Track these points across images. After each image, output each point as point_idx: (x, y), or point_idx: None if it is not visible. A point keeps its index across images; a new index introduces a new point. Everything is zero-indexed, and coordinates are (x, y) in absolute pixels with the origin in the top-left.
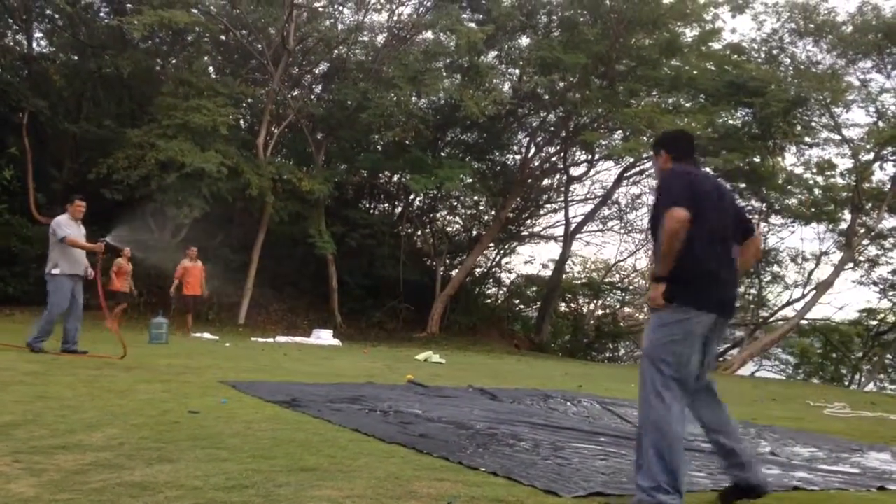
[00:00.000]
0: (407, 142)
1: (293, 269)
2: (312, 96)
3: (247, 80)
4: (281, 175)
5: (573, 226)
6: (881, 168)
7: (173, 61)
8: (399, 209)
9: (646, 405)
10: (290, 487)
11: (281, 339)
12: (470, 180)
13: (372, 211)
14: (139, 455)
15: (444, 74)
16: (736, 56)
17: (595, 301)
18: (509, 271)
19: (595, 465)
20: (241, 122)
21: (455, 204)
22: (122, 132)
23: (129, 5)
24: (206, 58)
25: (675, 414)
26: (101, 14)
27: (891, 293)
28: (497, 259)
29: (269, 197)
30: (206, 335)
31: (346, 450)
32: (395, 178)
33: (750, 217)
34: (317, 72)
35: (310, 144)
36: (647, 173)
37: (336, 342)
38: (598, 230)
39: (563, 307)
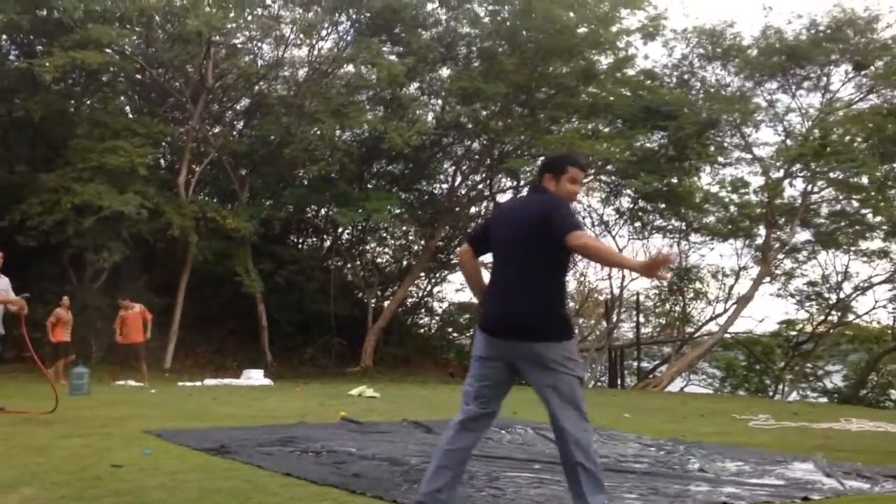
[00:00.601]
0: (332, 175)
1: (220, 309)
2: (234, 132)
3: (166, 119)
4: (204, 213)
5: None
6: (790, 185)
7: (88, 102)
8: (328, 243)
9: None
10: None
11: (210, 381)
12: (398, 211)
13: (300, 246)
14: None
15: (367, 107)
16: (649, 81)
17: None
18: (441, 300)
19: (529, 493)
20: (161, 161)
21: (384, 235)
22: (35, 177)
23: (38, 47)
24: (122, 97)
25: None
26: (11, 57)
27: (807, 304)
28: (428, 288)
29: (192, 236)
30: (131, 382)
31: (276, 496)
32: (323, 211)
33: (562, 224)
34: (238, 108)
35: (233, 181)
36: None
37: (267, 381)
38: None
39: None
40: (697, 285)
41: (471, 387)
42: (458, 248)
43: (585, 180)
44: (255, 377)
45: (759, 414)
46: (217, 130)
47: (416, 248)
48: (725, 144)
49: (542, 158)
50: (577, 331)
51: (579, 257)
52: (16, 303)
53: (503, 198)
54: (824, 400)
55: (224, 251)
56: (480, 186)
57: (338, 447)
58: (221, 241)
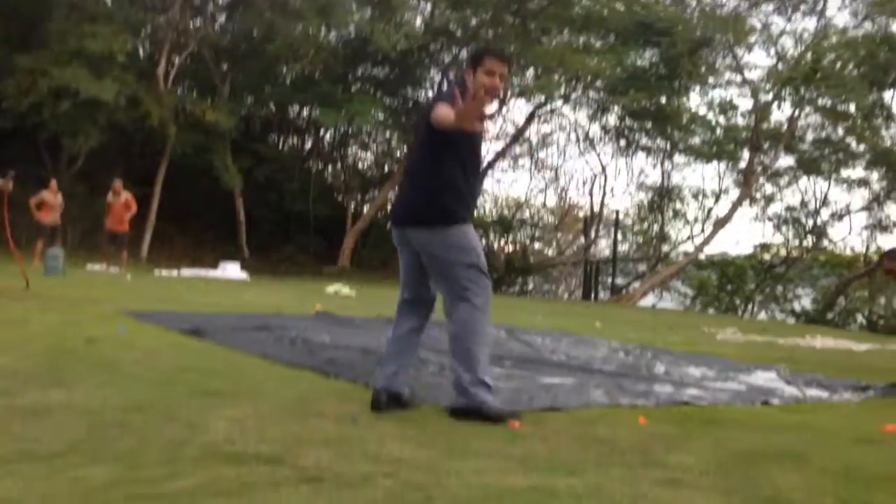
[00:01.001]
0: (316, 75)
1: (198, 202)
2: (217, 26)
3: (145, 8)
4: (183, 106)
5: (484, 163)
6: (779, 108)
7: None
8: (309, 144)
9: None
10: (192, 408)
11: (186, 272)
12: (382, 116)
13: (281, 146)
14: (32, 381)
15: (354, 7)
16: None
17: (505, 237)
18: None
19: (498, 385)
20: (140, 51)
21: (366, 140)
22: (10, 58)
23: None
24: None
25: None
26: None
27: (783, 228)
28: None
29: (170, 128)
30: (108, 268)
31: (251, 376)
32: (305, 112)
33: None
34: (220, 1)
35: (214, 75)
36: (557, 112)
37: (244, 276)
38: (509, 168)
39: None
40: (677, 205)
41: (401, 275)
42: None
43: (573, 95)
44: (231, 270)
45: (726, 328)
46: (198, 23)
47: (398, 154)
48: (717, 65)
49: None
50: (467, 222)
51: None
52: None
53: (489, 109)
54: (792, 321)
55: (203, 145)
56: None
57: (313, 337)
58: (200, 134)
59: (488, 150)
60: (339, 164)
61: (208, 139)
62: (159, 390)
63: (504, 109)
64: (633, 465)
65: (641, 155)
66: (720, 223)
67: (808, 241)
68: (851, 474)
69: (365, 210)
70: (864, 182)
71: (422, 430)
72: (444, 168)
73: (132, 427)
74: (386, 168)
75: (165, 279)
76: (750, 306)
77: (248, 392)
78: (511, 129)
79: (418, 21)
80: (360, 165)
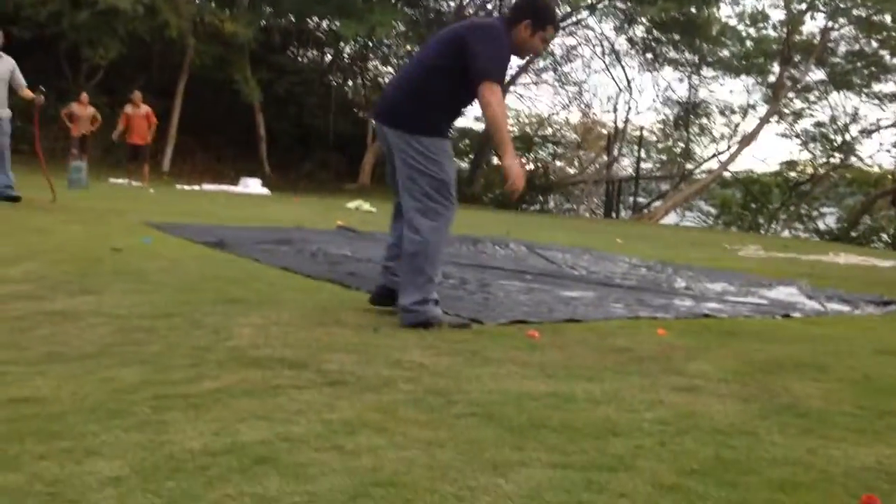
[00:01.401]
0: None
1: (218, 116)
2: None
3: None
4: (202, 16)
5: (507, 78)
6: (812, 18)
7: None
8: (329, 58)
9: None
10: (217, 315)
11: (208, 187)
12: (403, 28)
13: (301, 59)
14: (60, 287)
15: None
16: None
17: (527, 154)
18: None
19: (519, 298)
20: None
21: (387, 53)
22: None
23: None
24: None
25: None
26: None
27: (812, 145)
28: None
29: (189, 39)
30: (132, 182)
31: (273, 285)
32: (325, 24)
33: (486, 67)
34: None
35: None
36: (582, 23)
37: (265, 191)
38: (532, 82)
39: (495, 160)
40: (703, 121)
41: (388, 178)
42: None
43: (600, 5)
44: (252, 186)
45: (749, 245)
46: None
47: None
48: None
49: None
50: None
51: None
52: (34, 97)
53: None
54: (816, 240)
55: (222, 57)
56: (490, 6)
57: (334, 250)
58: (219, 46)
59: (510, 64)
60: (359, 79)
61: (227, 51)
62: (184, 298)
63: None
64: (651, 372)
65: (668, 69)
66: (746, 140)
67: (836, 159)
68: (871, 383)
69: None
70: None
71: (442, 339)
72: (446, 92)
73: (159, 332)
74: None
75: (188, 193)
76: (774, 225)
77: (271, 301)
78: None
79: None
80: (380, 80)
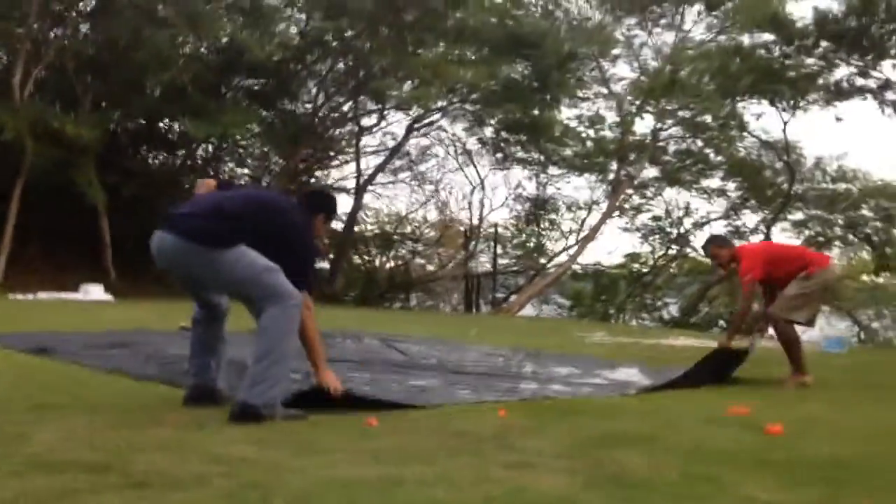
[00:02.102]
0: (187, 86)
1: (60, 222)
2: (79, 34)
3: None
4: (43, 119)
5: (364, 178)
6: (641, 118)
7: None
8: (181, 159)
9: None
10: (21, 424)
11: (43, 295)
12: (258, 129)
13: (151, 161)
14: None
15: (225, 15)
16: (515, 10)
17: (387, 253)
18: None
19: (363, 389)
20: None
21: (241, 154)
22: None
23: None
24: None
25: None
26: None
27: (651, 238)
28: None
29: (28, 142)
30: None
31: (95, 389)
32: (176, 126)
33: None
34: (83, 8)
35: (76, 87)
36: (436, 125)
37: (108, 297)
38: (389, 182)
39: (356, 259)
40: (553, 216)
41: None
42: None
43: (450, 108)
44: (94, 292)
45: (596, 332)
46: (59, 32)
47: (275, 168)
48: (585, 77)
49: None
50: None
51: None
52: None
53: (368, 121)
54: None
55: (65, 160)
56: (345, 109)
57: (172, 351)
58: (62, 149)
59: (368, 164)
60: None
61: (70, 154)
62: None
63: (382, 123)
64: (485, 452)
65: (518, 168)
66: (590, 234)
67: (673, 250)
68: (697, 452)
69: None
70: (722, 191)
71: (272, 431)
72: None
73: None
74: (263, 182)
75: (20, 302)
76: (622, 315)
77: (87, 405)
78: (391, 143)
79: (293, 30)
80: (235, 182)
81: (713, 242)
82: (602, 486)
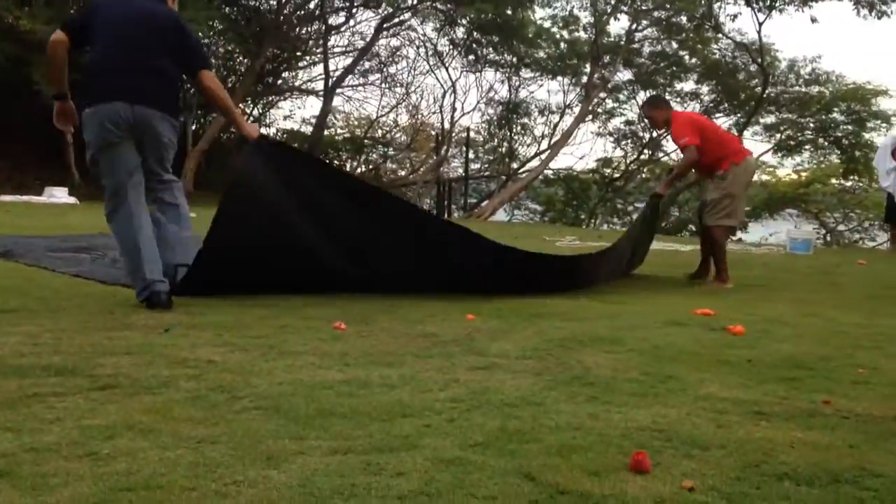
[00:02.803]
0: None
1: (19, 121)
2: None
3: None
4: None
5: (333, 79)
6: (616, 19)
7: None
8: None
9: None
10: None
11: (6, 198)
12: (220, 27)
13: None
14: None
15: None
16: None
17: (358, 157)
18: (268, 125)
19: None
20: None
21: (206, 52)
22: None
23: None
24: None
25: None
26: None
27: (623, 143)
28: (256, 114)
29: None
30: None
31: (59, 293)
32: None
33: (204, 58)
34: None
35: None
36: (406, 24)
37: (72, 200)
38: (359, 84)
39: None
40: (524, 120)
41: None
42: (51, 38)
43: (422, 5)
44: (58, 195)
45: (566, 236)
46: None
47: (241, 68)
48: None
49: None
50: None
51: None
52: None
53: (336, 20)
54: None
55: (20, 57)
56: (312, 6)
57: None
58: (17, 45)
59: (337, 65)
60: None
61: (26, 50)
62: None
63: (351, 22)
64: (452, 354)
65: (490, 71)
66: (562, 139)
67: (645, 155)
68: (658, 351)
69: (207, 130)
70: (695, 95)
71: (241, 336)
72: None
73: None
74: (230, 83)
75: None
76: (594, 220)
77: (52, 309)
78: (360, 44)
79: None
80: None
81: (650, 103)
82: (566, 385)
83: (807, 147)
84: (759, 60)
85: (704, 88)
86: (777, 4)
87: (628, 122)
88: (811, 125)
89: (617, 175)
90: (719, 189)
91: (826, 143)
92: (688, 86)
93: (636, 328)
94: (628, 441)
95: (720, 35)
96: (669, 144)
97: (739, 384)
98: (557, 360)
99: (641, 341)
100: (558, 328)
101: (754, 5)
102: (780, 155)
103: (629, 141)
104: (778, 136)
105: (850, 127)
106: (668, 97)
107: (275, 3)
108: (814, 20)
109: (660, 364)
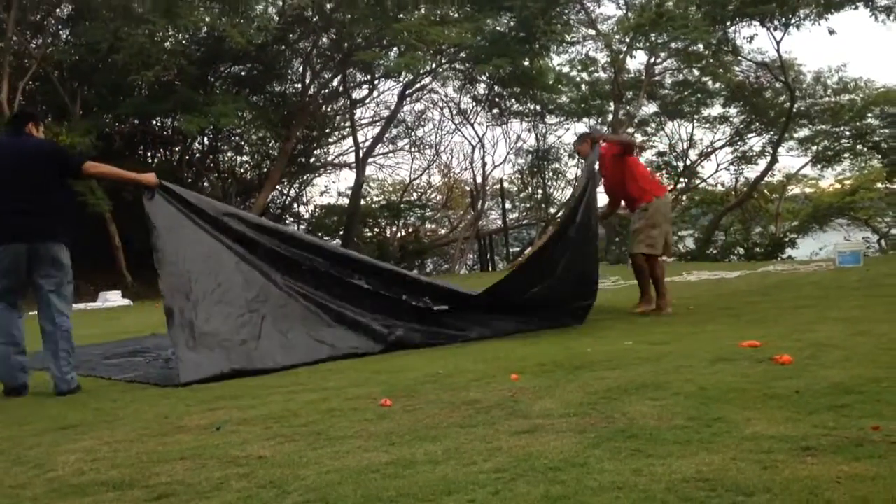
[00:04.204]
0: (174, 82)
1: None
2: (60, 42)
3: None
4: None
5: (363, 150)
6: (632, 56)
7: None
8: (178, 155)
9: None
10: (43, 447)
11: None
12: (249, 115)
13: (150, 160)
14: None
15: (201, 4)
16: None
17: (396, 221)
18: (306, 203)
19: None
20: None
21: (239, 142)
22: None
23: None
24: None
25: None
26: None
27: (658, 174)
28: (293, 193)
29: None
30: None
31: (116, 401)
32: (169, 121)
33: (76, 160)
34: (60, 14)
35: (64, 95)
36: (427, 88)
37: (126, 302)
38: (389, 151)
39: (366, 232)
40: (555, 165)
41: None
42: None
43: (440, 70)
44: (112, 299)
45: (609, 277)
46: (39, 42)
47: (274, 153)
48: (571, 21)
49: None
50: None
51: None
52: None
53: (359, 94)
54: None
55: None
56: (335, 84)
57: None
58: None
59: (366, 136)
60: (214, 172)
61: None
62: (8, 433)
63: (374, 94)
64: (496, 420)
65: (515, 121)
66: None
67: (682, 183)
68: (703, 394)
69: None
70: (724, 118)
71: (289, 423)
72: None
73: None
74: (265, 168)
75: None
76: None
77: (109, 419)
78: (385, 112)
79: (271, 10)
80: (236, 170)
81: (576, 141)
82: (610, 441)
83: (846, 155)
84: (783, 77)
85: (733, 110)
86: (792, 21)
87: (660, 154)
88: (847, 133)
89: None
90: (643, 219)
91: (865, 149)
92: (715, 111)
93: (681, 369)
94: (672, 495)
95: (740, 58)
96: (706, 171)
97: (786, 418)
98: (601, 413)
99: (686, 383)
100: (602, 379)
101: (768, 25)
102: (819, 167)
103: (664, 171)
104: (815, 147)
105: (886, 130)
106: (696, 124)
107: (300, 86)
108: (832, 32)
109: (706, 406)
